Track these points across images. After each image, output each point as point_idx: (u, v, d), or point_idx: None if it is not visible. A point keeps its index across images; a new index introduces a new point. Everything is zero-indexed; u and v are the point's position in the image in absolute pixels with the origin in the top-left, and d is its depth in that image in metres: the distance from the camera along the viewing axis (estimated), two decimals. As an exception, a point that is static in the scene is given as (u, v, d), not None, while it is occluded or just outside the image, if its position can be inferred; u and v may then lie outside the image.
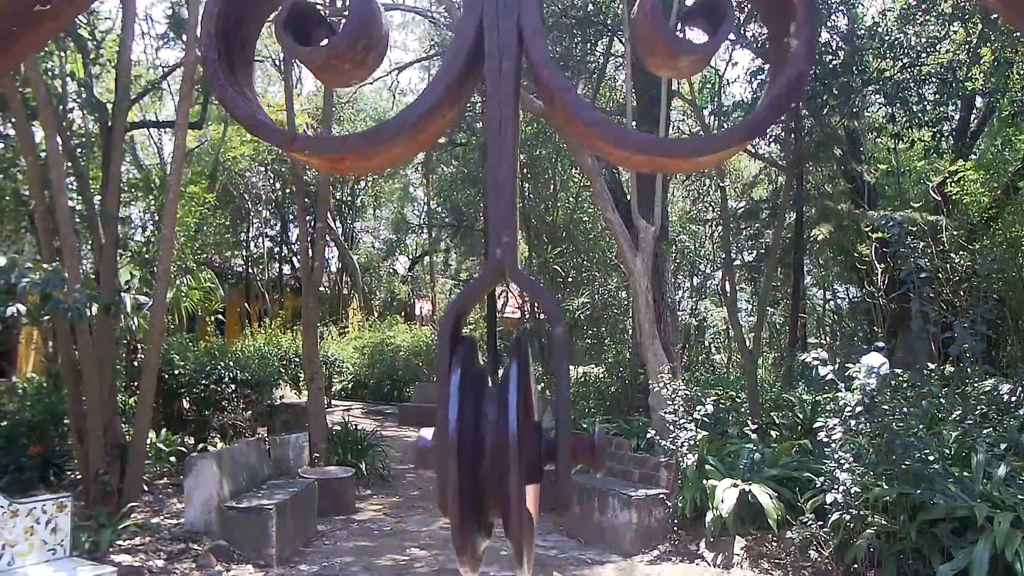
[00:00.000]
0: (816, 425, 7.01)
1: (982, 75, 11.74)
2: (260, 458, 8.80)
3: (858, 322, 19.27)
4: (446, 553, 7.83)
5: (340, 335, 23.72)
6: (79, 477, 8.44)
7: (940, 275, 13.09)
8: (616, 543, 7.87)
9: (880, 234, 14.45)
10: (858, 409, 6.43)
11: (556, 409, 0.70)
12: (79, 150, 9.91)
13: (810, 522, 6.77)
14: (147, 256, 9.23)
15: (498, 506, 0.70)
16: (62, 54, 9.48)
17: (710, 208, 20.41)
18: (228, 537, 7.29)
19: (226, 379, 11.56)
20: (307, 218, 13.39)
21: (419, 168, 29.42)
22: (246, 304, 27.27)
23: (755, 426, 8.87)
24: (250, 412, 11.82)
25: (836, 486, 6.39)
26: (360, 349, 22.12)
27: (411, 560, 7.58)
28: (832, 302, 25.26)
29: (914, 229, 14.19)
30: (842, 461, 6.39)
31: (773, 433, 9.86)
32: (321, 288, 27.06)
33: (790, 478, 7.75)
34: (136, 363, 11.67)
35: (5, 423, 9.53)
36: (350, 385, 21.50)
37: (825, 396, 9.11)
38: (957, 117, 15.59)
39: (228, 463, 7.82)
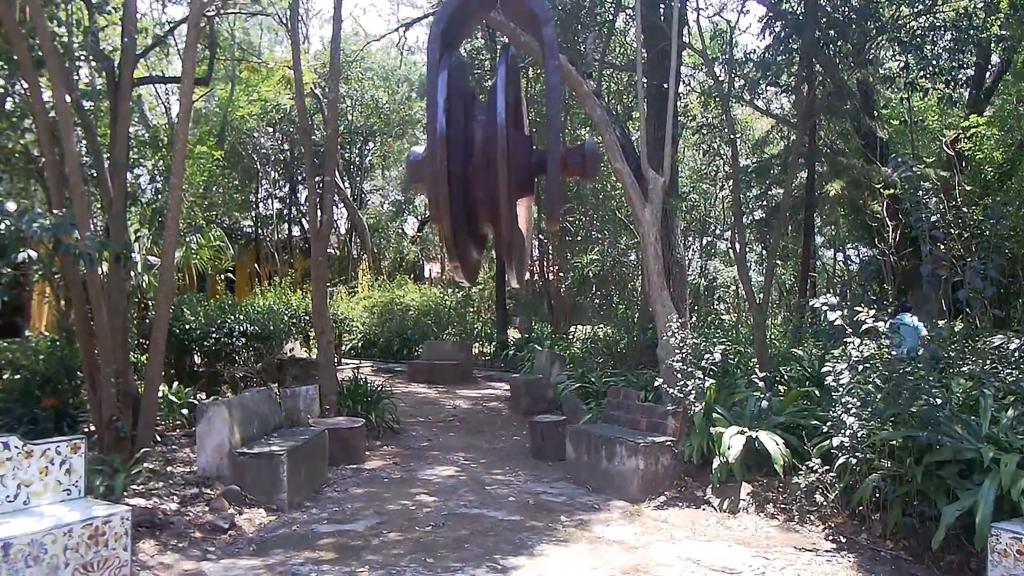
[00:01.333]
0: (824, 369, 7.01)
1: (998, 23, 11.53)
2: (271, 407, 8.88)
3: (868, 281, 19.20)
4: (455, 499, 7.93)
5: (349, 295, 23.78)
6: (93, 429, 8.53)
7: (952, 231, 12.99)
8: (623, 489, 7.93)
9: (892, 190, 14.35)
10: (866, 354, 6.42)
11: (548, 114, 0.70)
12: (87, 101, 9.88)
13: (816, 467, 6.81)
14: (156, 207, 9.24)
15: (489, 213, 0.70)
16: (67, 6, 9.42)
17: (721, 163, 20.19)
18: (240, 482, 7.39)
19: (236, 332, 11.63)
20: (316, 178, 13.33)
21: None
22: (256, 265, 27.38)
23: (763, 375, 8.87)
24: (260, 365, 11.92)
25: (843, 430, 6.41)
26: (370, 309, 22.20)
27: (420, 505, 7.67)
28: (843, 261, 25.16)
29: (927, 185, 14.08)
30: (849, 406, 6.40)
31: (782, 388, 9.88)
32: (330, 249, 27.12)
33: (797, 425, 7.79)
34: (148, 320, 11.76)
35: (19, 376, 9.63)
36: (360, 344, 21.60)
37: (833, 351, 9.10)
38: (972, 71, 15.36)
39: (239, 411, 7.90)
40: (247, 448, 7.60)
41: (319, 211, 11.52)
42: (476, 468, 9.46)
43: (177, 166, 7.95)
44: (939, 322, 11.32)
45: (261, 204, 30.44)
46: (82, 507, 5.66)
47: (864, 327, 6.44)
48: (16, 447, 5.56)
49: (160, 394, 9.58)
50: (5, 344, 11.70)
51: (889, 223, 15.48)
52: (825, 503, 6.73)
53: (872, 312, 6.41)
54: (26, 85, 8.65)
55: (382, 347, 21.29)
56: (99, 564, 5.38)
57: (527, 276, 25.65)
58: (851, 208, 18.78)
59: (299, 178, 29.17)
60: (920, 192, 14.50)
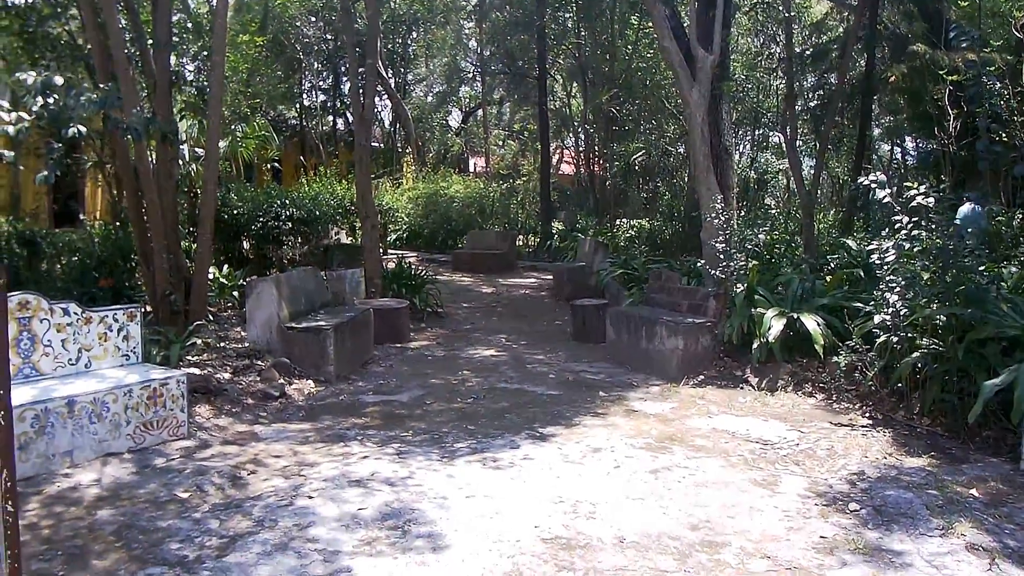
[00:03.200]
0: (869, 248, 6.87)
1: None
2: (317, 286, 9.09)
3: (924, 172, 18.58)
4: (496, 376, 8.13)
5: (394, 187, 23.83)
6: (148, 309, 8.84)
7: (1016, 117, 12.43)
8: (662, 369, 8.03)
9: (955, 76, 13.70)
10: (914, 232, 6.28)
11: None
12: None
13: (857, 346, 6.79)
14: (200, 86, 9.27)
15: None
16: None
17: (776, 50, 19.40)
18: (288, 355, 7.66)
19: (283, 217, 11.80)
20: (359, 67, 13.12)
21: (472, 15, 28.50)
22: (301, 157, 27.47)
23: (809, 259, 8.76)
24: (307, 248, 12.14)
25: (885, 309, 6.34)
26: (414, 200, 22.26)
27: (462, 380, 7.89)
28: (899, 153, 24.34)
29: (992, 70, 13.40)
30: (893, 284, 6.31)
31: (828, 277, 9.77)
32: (374, 142, 27.04)
33: (840, 308, 7.70)
34: (197, 209, 11.97)
35: (76, 259, 9.97)
36: (404, 235, 21.79)
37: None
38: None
39: (287, 288, 8.11)
40: (295, 323, 7.83)
41: (361, 96, 11.43)
42: (517, 349, 9.65)
43: (218, 42, 7.92)
44: (992, 206, 10.99)
45: (305, 96, 30.25)
46: (140, 371, 5.95)
47: (913, 205, 6.27)
48: (76, 313, 5.82)
49: (211, 276, 9.86)
50: (61, 231, 12.06)
51: (950, 112, 14.84)
52: (864, 382, 6.74)
53: (923, 189, 6.22)
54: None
55: (426, 238, 21.46)
56: (158, 423, 5.69)
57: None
58: (911, 96, 18.00)
59: (343, 69, 28.84)
60: (984, 78, 13.79)
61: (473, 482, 5.00)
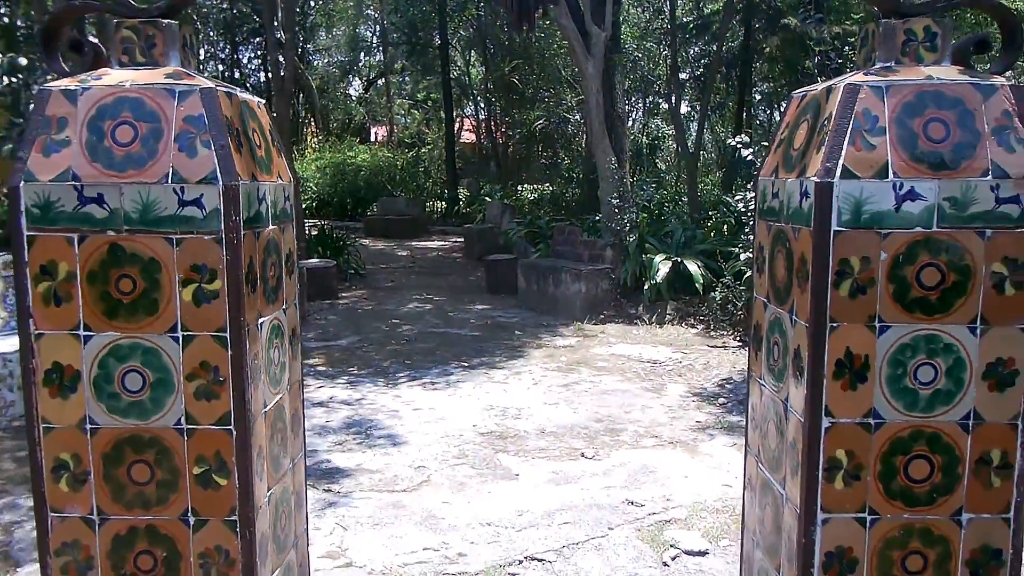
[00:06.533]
0: (736, 198, 8.16)
1: None
2: (252, 249, 9.79)
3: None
4: (422, 323, 9.11)
5: (300, 156, 24.16)
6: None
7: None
8: (568, 311, 9.17)
9: (823, 47, 15.27)
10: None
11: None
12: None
13: (729, 283, 8.09)
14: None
15: None
16: None
17: (663, 22, 20.76)
18: (234, 310, 8.41)
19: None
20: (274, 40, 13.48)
21: (372, -15, 28.80)
22: (203, 129, 27.26)
23: (692, 214, 10.03)
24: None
25: (750, 248, 7.63)
26: (322, 169, 22.72)
27: (393, 327, 8.84)
28: (778, 118, 26.22)
29: (853, 40, 15.03)
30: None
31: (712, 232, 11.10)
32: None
33: (717, 252, 9.02)
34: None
35: None
36: (314, 204, 22.27)
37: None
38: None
39: (226, 250, 8.81)
40: (237, 281, 8.57)
41: (282, 69, 12.05)
42: (439, 300, 10.62)
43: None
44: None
45: (202, 67, 29.92)
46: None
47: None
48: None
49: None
50: None
51: (819, 80, 16.44)
52: (735, 312, 8.05)
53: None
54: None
55: (335, 207, 22.01)
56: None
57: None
58: (786, 65, 19.65)
59: (239, 39, 28.72)
60: (847, 48, 15.48)
61: (417, 399, 6.01)
